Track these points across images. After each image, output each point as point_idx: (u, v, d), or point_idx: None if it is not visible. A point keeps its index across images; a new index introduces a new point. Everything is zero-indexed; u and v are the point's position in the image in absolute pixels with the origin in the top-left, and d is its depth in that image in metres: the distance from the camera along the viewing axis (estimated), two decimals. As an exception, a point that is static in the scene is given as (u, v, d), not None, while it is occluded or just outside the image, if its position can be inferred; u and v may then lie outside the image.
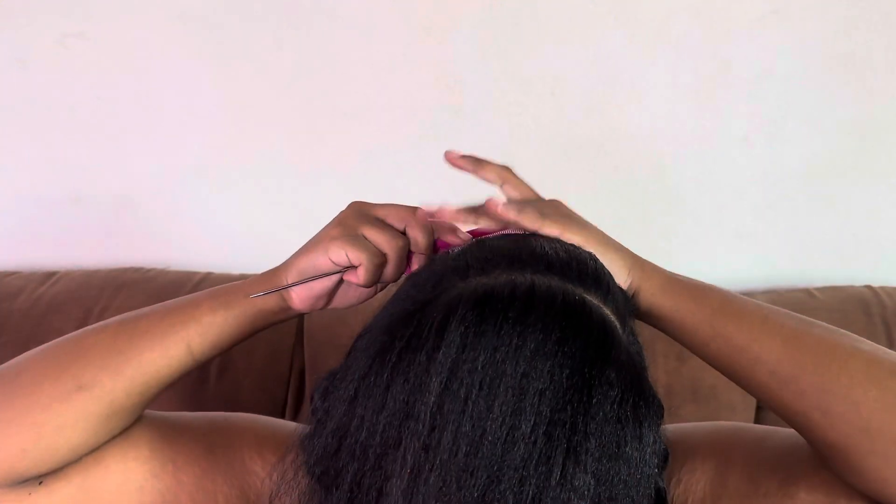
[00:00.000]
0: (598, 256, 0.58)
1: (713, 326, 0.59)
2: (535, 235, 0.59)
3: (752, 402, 1.04)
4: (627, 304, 0.57)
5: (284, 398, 1.06)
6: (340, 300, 0.66)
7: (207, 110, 1.18)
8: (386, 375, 0.48)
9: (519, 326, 0.47)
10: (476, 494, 0.45)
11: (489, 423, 0.45)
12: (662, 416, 0.52)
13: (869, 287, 1.13)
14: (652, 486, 0.51)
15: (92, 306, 1.07)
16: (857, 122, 1.15)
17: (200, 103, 1.17)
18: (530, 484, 0.45)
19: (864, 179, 1.17)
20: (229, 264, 1.18)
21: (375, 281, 0.62)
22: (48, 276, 1.14)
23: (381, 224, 0.62)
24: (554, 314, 0.48)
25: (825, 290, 1.12)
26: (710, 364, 0.61)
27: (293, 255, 0.64)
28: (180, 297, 0.65)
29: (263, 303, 0.63)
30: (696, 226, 1.21)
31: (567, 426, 0.46)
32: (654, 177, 1.19)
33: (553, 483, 0.45)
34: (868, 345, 0.55)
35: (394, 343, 0.49)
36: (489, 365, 0.46)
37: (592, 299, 0.51)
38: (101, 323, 0.63)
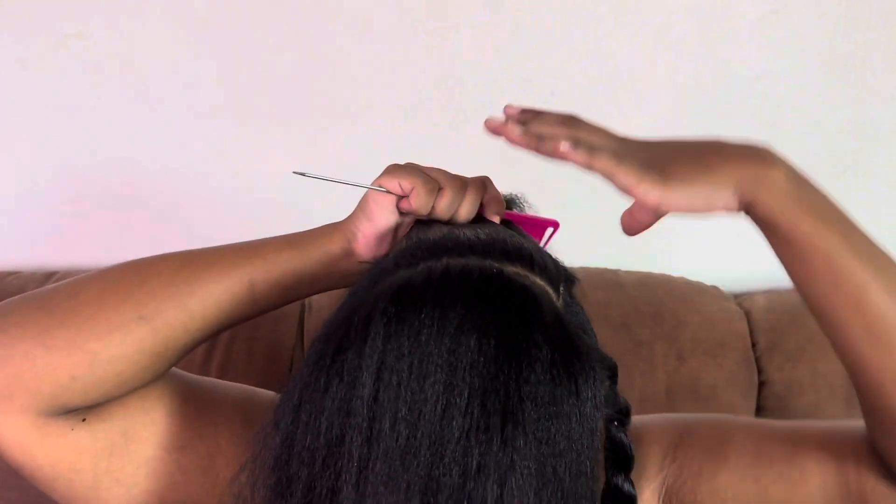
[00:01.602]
0: (701, 180, 0.53)
1: (831, 266, 0.55)
2: (459, 225, 0.60)
3: (752, 402, 1.05)
4: (560, 270, 0.58)
5: (284, 398, 1.06)
6: (402, 232, 0.64)
7: (207, 110, 1.18)
8: (323, 380, 0.50)
9: (438, 307, 0.49)
10: (422, 473, 0.46)
11: (424, 403, 0.47)
12: (613, 369, 0.54)
13: (869, 287, 1.13)
14: (597, 438, 0.52)
15: (92, 306, 1.07)
16: (857, 123, 1.15)
17: (200, 103, 1.17)
18: (473, 454, 0.46)
19: (862, 179, 1.17)
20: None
21: (428, 208, 0.59)
22: (48, 276, 1.14)
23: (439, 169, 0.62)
24: (471, 290, 0.50)
25: (825, 290, 1.12)
26: (803, 294, 0.57)
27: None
28: (249, 240, 0.64)
29: (329, 243, 0.62)
30: (696, 226, 1.21)
31: (501, 393, 0.47)
32: (654, 177, 1.19)
33: (495, 448, 0.46)
34: None
35: (328, 347, 0.51)
36: (415, 348, 0.48)
37: (515, 270, 0.53)
38: (164, 254, 0.62)
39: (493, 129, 0.59)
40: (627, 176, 0.54)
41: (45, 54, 1.15)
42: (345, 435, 0.48)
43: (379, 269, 0.55)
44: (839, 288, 0.54)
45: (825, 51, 1.12)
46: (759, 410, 1.04)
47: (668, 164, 0.54)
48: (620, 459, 0.60)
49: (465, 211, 0.60)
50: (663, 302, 1.05)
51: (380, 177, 0.60)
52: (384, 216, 0.61)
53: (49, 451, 0.57)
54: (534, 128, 0.58)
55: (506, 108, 0.61)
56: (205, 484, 0.62)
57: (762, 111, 1.15)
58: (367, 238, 0.61)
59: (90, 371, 0.56)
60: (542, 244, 0.66)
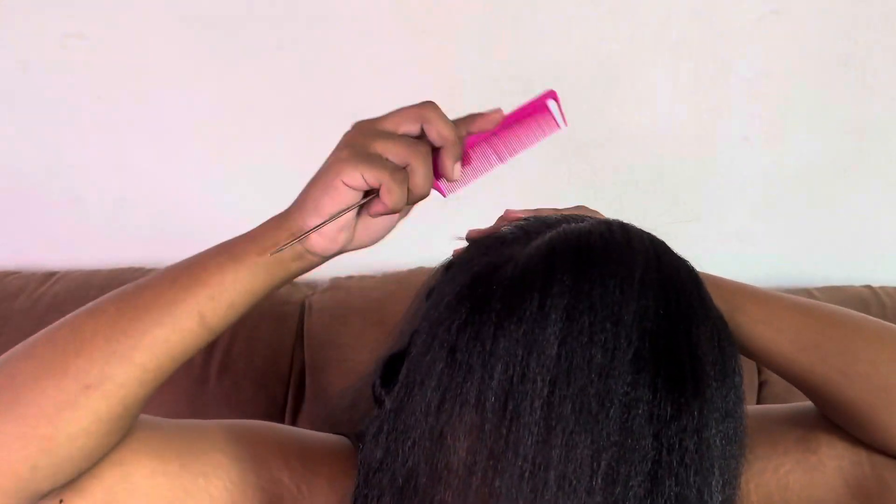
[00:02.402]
0: None
1: (734, 304, 0.60)
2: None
3: (752, 402, 1.04)
4: None
5: (284, 398, 1.06)
6: (364, 234, 0.58)
7: (207, 110, 1.18)
8: (493, 320, 0.48)
9: (625, 258, 0.50)
10: (617, 413, 0.46)
11: (617, 346, 0.47)
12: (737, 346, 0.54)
13: (869, 287, 1.13)
14: (743, 413, 0.53)
15: (92, 306, 1.07)
16: (857, 122, 1.15)
17: (200, 103, 1.17)
18: (666, 401, 0.46)
19: (863, 179, 1.17)
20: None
21: (404, 201, 0.54)
22: (48, 276, 1.14)
23: (394, 135, 0.56)
24: (648, 248, 0.51)
25: (825, 290, 1.13)
26: None
27: (303, 192, 0.56)
28: (179, 262, 0.56)
29: (288, 258, 0.56)
30: (696, 226, 1.21)
31: (685, 346, 0.48)
32: (654, 177, 1.19)
33: (689, 398, 0.47)
34: (871, 317, 0.60)
35: (490, 292, 0.49)
36: (606, 293, 0.48)
37: None
38: (95, 303, 0.55)
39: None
40: None
41: (45, 54, 1.15)
42: (526, 374, 0.46)
43: (502, 237, 0.55)
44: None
45: (825, 51, 1.12)
46: (759, 410, 1.04)
47: None
48: None
49: (451, 159, 0.58)
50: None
51: (341, 171, 0.53)
52: (342, 207, 0.54)
53: None
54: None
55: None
56: None
57: (762, 111, 1.15)
58: (324, 236, 0.55)
59: (50, 456, 0.51)
60: (560, 119, 0.63)
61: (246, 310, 0.56)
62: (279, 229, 0.56)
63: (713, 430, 0.48)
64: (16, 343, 0.55)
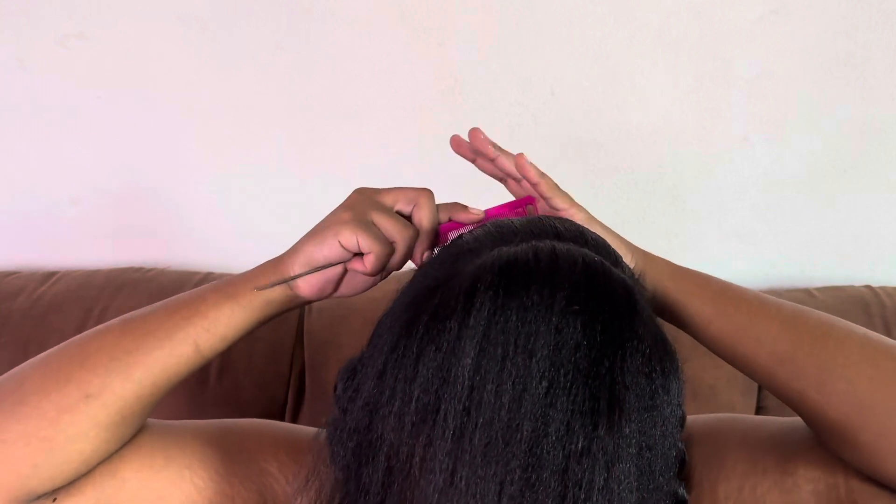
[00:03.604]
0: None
1: (714, 308, 0.60)
2: (543, 216, 0.60)
3: (753, 401, 1.05)
4: (634, 276, 0.59)
5: (284, 398, 1.06)
6: (347, 287, 0.65)
7: (207, 110, 1.18)
8: (415, 346, 0.49)
9: (547, 286, 0.48)
10: (524, 448, 0.45)
11: (529, 378, 0.46)
12: (681, 371, 0.53)
13: (869, 287, 1.13)
14: (678, 441, 0.53)
15: (92, 306, 1.07)
16: (857, 122, 1.15)
17: (200, 103, 1.17)
18: (577, 436, 0.46)
19: (863, 179, 1.17)
20: (229, 264, 1.18)
21: (381, 269, 0.62)
22: (48, 276, 1.14)
23: (391, 212, 0.62)
24: (578, 274, 0.50)
25: (825, 290, 1.13)
26: (711, 348, 0.62)
27: (300, 241, 0.63)
28: (183, 293, 0.63)
29: (270, 293, 0.62)
30: (696, 226, 1.21)
31: (606, 378, 0.47)
32: (654, 177, 1.19)
33: (601, 433, 0.46)
34: (862, 329, 0.57)
35: (419, 316, 0.50)
36: (522, 324, 0.47)
37: (607, 263, 0.53)
38: (103, 325, 0.61)
39: (458, 142, 0.66)
40: (563, 200, 0.66)
41: (45, 55, 1.15)
42: (440, 403, 0.47)
43: (458, 248, 0.55)
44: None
45: (825, 51, 1.12)
46: (759, 410, 1.04)
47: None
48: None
49: (420, 251, 0.63)
50: (663, 302, 1.05)
51: (340, 232, 0.60)
52: (332, 269, 0.62)
53: None
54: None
55: (472, 132, 0.66)
56: None
57: (762, 111, 1.15)
58: (312, 285, 0.62)
59: (50, 456, 0.56)
60: None
61: (235, 341, 0.63)
62: (273, 272, 0.62)
63: (628, 465, 0.47)
64: (16, 342, 0.61)
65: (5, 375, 0.60)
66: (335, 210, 0.62)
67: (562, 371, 0.46)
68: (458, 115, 1.17)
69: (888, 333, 1.04)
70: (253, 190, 1.22)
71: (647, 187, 1.19)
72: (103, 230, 1.24)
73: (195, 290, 0.63)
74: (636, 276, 0.60)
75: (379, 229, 0.61)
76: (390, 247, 0.61)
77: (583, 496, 0.45)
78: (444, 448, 0.46)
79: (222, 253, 1.22)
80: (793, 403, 0.58)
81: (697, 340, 0.63)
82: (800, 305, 0.60)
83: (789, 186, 1.18)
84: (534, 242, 0.52)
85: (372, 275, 0.61)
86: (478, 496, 0.45)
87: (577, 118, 1.16)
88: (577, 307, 0.48)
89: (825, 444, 0.57)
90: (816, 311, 0.60)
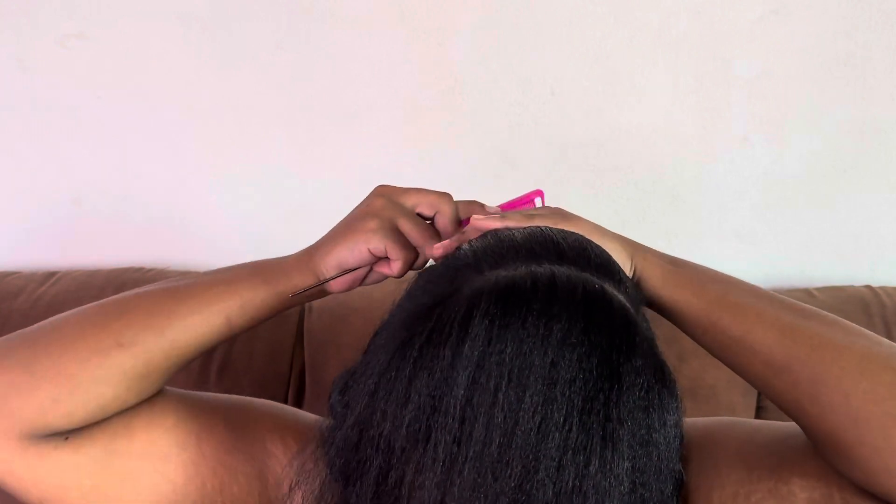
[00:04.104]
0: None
1: (710, 318, 0.60)
2: (545, 228, 0.58)
3: (753, 402, 1.04)
4: (637, 292, 0.58)
5: (284, 398, 1.06)
6: (371, 280, 0.68)
7: (207, 110, 1.18)
8: (408, 370, 0.49)
9: (544, 317, 0.48)
10: (513, 484, 0.45)
11: (521, 413, 0.46)
12: (680, 400, 0.52)
13: (869, 287, 1.13)
14: (676, 464, 0.52)
15: (92, 306, 1.07)
16: (857, 122, 1.15)
17: (200, 103, 1.17)
18: (569, 473, 0.45)
19: (863, 179, 1.17)
20: (221, 263, 1.18)
21: (406, 272, 0.65)
22: (48, 276, 1.14)
23: (416, 218, 0.65)
24: (577, 304, 0.49)
25: (825, 290, 1.13)
26: (708, 351, 0.62)
27: (329, 240, 0.65)
28: (221, 269, 0.67)
29: (302, 283, 0.65)
30: (696, 226, 1.21)
31: (600, 414, 0.46)
32: (654, 177, 1.19)
33: (593, 471, 0.46)
34: (865, 338, 0.55)
35: (413, 338, 0.49)
36: (517, 356, 0.47)
37: (609, 288, 0.52)
38: (142, 288, 0.64)
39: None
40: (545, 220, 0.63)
41: (45, 55, 1.15)
42: (431, 432, 0.47)
43: (457, 262, 0.55)
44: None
45: (826, 51, 1.12)
46: (760, 410, 1.04)
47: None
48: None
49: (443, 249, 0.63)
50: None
51: (370, 240, 0.63)
52: (357, 265, 0.64)
53: (33, 471, 0.59)
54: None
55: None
56: (191, 493, 0.62)
57: (762, 111, 1.15)
58: (340, 283, 0.65)
59: (71, 393, 0.58)
60: None
61: (266, 319, 0.66)
62: (306, 271, 0.65)
63: (616, 493, 0.46)
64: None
65: (46, 321, 0.62)
66: (361, 212, 0.64)
67: (554, 406, 0.46)
68: (458, 116, 1.17)
69: (888, 333, 1.04)
70: (253, 190, 1.22)
71: (647, 187, 1.19)
72: (103, 230, 1.24)
73: (233, 267, 0.67)
74: (637, 285, 0.60)
75: (405, 237, 0.64)
76: (416, 252, 0.64)
77: None
78: (433, 479, 0.46)
79: (222, 253, 1.22)
80: (789, 412, 0.57)
81: (695, 342, 0.62)
82: (804, 307, 0.59)
83: (789, 186, 1.18)
84: (533, 267, 0.51)
85: (398, 276, 0.65)
86: None
87: (577, 118, 1.16)
88: (572, 340, 0.47)
89: (821, 454, 0.56)
90: (821, 313, 0.58)
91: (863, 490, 0.54)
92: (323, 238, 0.66)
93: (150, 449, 0.61)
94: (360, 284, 0.67)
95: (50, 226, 1.24)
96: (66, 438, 0.59)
